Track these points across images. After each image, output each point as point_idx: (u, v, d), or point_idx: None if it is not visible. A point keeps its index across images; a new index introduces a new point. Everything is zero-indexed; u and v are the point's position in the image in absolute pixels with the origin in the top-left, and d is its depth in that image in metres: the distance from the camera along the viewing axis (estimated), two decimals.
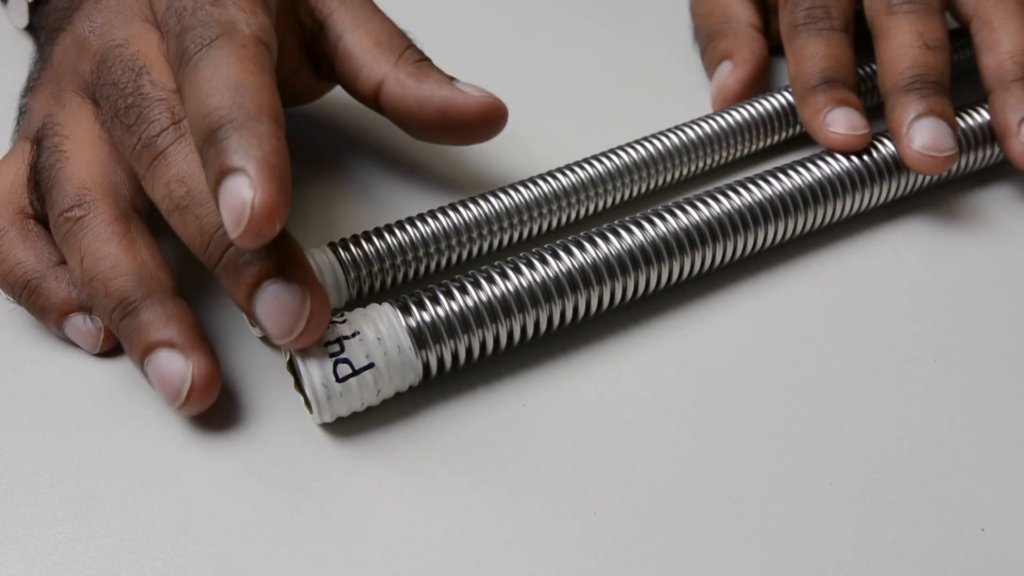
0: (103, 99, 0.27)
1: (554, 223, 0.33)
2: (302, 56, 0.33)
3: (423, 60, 0.31)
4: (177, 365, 0.26)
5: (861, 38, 0.36)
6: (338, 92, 0.35)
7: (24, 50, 0.37)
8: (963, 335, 0.30)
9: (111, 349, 0.29)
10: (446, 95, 0.30)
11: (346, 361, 0.25)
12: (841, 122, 0.33)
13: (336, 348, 0.25)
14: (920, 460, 0.26)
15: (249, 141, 0.23)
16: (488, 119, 0.30)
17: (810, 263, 0.33)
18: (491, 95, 0.30)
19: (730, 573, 0.24)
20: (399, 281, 0.30)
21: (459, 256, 0.31)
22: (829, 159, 0.32)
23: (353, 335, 0.26)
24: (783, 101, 0.36)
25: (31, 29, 0.38)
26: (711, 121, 0.35)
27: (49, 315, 0.28)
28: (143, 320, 0.26)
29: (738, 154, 0.36)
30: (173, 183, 0.25)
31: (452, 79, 0.31)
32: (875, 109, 0.36)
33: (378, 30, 0.32)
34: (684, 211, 0.30)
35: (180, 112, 0.26)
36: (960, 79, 0.38)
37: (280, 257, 0.24)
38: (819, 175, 0.32)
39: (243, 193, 0.22)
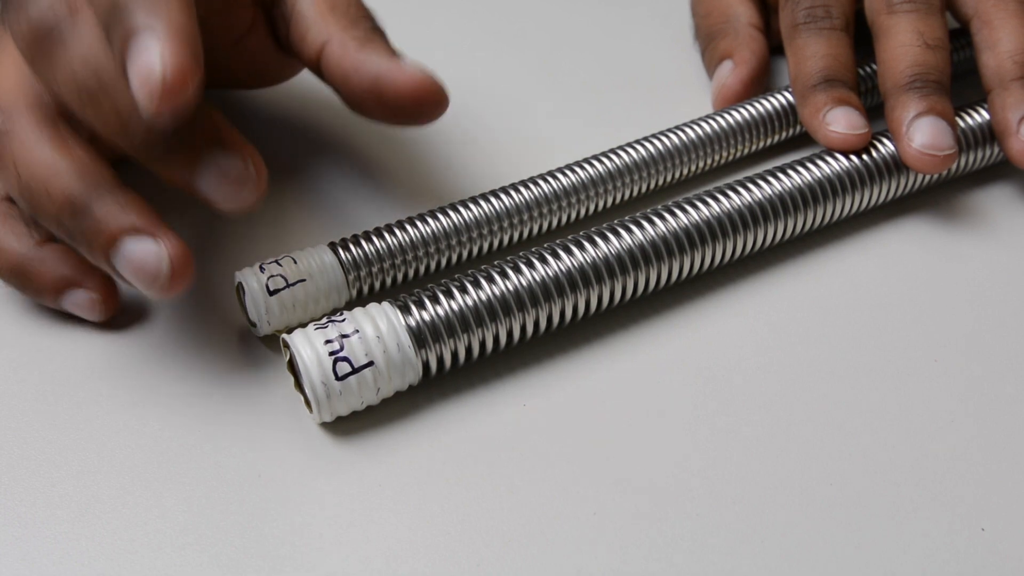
0: (5, 5, 0.26)
1: (554, 223, 0.33)
2: (258, 15, 0.32)
3: (375, 30, 0.30)
4: (148, 247, 0.24)
5: (861, 37, 0.36)
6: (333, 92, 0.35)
7: None
8: (963, 335, 0.30)
9: (114, 317, 0.29)
10: (383, 65, 0.28)
11: (345, 359, 0.25)
12: (841, 121, 0.33)
13: (335, 346, 0.25)
14: (920, 460, 0.26)
15: (155, 6, 0.22)
16: (422, 99, 0.28)
17: (810, 263, 0.33)
18: (430, 76, 0.28)
19: (730, 573, 0.24)
20: (399, 281, 0.30)
21: (459, 256, 0.31)
22: (829, 158, 0.32)
23: (353, 333, 0.26)
24: (783, 101, 0.36)
25: None
26: (711, 121, 0.35)
27: (44, 296, 0.28)
28: (97, 214, 0.25)
29: (738, 154, 0.36)
30: (77, 68, 0.24)
31: (397, 55, 0.29)
32: (875, 109, 0.36)
33: None
34: (684, 210, 0.30)
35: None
36: (960, 79, 0.38)
37: (211, 130, 0.24)
38: (819, 174, 0.32)
39: (153, 60, 0.21)
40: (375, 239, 0.30)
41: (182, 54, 0.21)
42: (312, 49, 0.30)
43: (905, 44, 0.33)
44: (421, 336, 0.26)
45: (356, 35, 0.29)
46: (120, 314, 0.30)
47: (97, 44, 0.24)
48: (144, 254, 0.24)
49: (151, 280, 0.24)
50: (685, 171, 0.35)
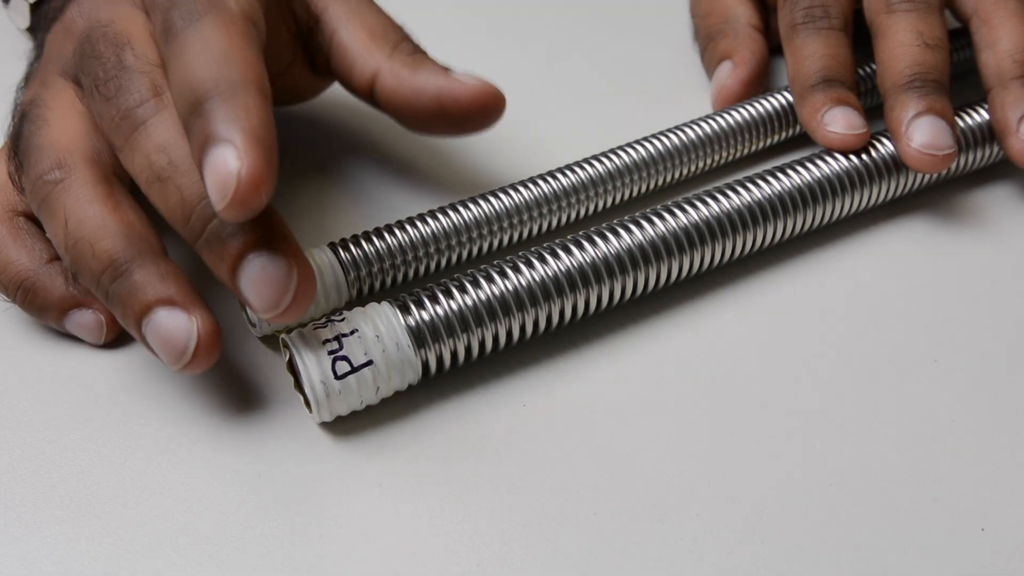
0: (84, 74, 0.27)
1: (554, 223, 0.33)
2: (296, 50, 0.33)
3: (418, 51, 0.31)
4: (180, 322, 0.25)
5: (860, 37, 0.36)
6: (338, 92, 0.35)
7: (26, 49, 0.37)
8: (963, 335, 0.30)
9: (115, 340, 0.29)
10: (441, 84, 0.29)
11: (344, 359, 0.25)
12: (839, 121, 0.33)
13: (335, 346, 0.25)
14: (920, 460, 0.26)
15: (236, 112, 0.22)
16: (486, 106, 0.30)
17: (810, 262, 0.33)
18: (487, 82, 0.30)
19: (730, 573, 0.24)
20: (399, 281, 0.30)
21: (459, 256, 0.31)
22: (828, 158, 0.32)
23: (351, 333, 0.26)
24: (783, 101, 0.36)
25: (32, 31, 0.38)
26: (711, 121, 0.35)
27: (48, 313, 0.28)
28: (136, 280, 0.25)
29: (738, 154, 0.36)
30: (153, 154, 0.24)
31: (447, 69, 0.30)
32: (875, 109, 0.36)
33: (373, 23, 0.31)
34: (684, 210, 0.30)
35: (162, 85, 0.25)
36: (960, 79, 0.38)
37: (264, 229, 0.24)
38: (818, 174, 0.32)
39: (229, 163, 0.22)
40: (375, 239, 0.30)
41: (259, 164, 0.22)
42: (362, 81, 0.31)
43: (904, 44, 0.33)
44: (420, 336, 0.26)
45: (404, 60, 0.30)
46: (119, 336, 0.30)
47: (177, 136, 0.24)
48: (174, 327, 0.25)
49: (177, 354, 0.25)
50: (685, 171, 0.35)
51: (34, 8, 0.37)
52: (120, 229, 0.25)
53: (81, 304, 0.28)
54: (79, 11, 0.28)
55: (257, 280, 0.24)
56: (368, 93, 0.31)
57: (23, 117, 0.28)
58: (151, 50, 0.26)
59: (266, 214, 0.24)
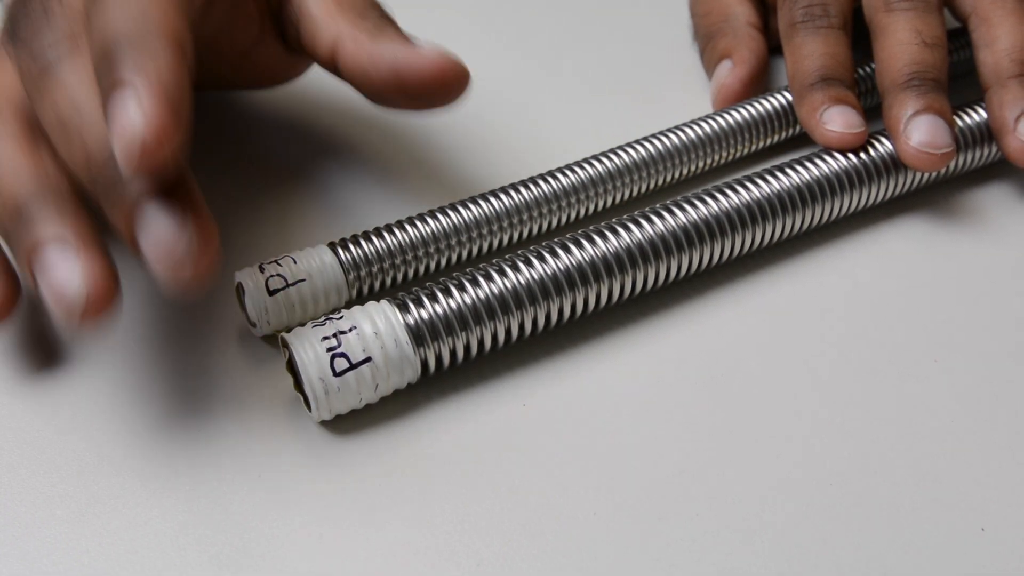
0: (10, 22, 0.26)
1: (554, 223, 0.33)
2: (267, 24, 0.32)
3: (384, 19, 0.30)
4: (68, 265, 0.23)
5: (860, 36, 0.36)
6: (337, 91, 0.35)
7: None
8: (963, 335, 0.30)
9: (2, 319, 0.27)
10: (400, 53, 0.28)
11: (343, 356, 0.25)
12: (837, 120, 0.33)
13: (333, 343, 0.25)
14: (920, 460, 0.26)
15: (143, 56, 0.21)
16: (446, 80, 0.28)
17: (810, 262, 0.33)
18: (450, 55, 0.28)
19: (730, 573, 0.24)
20: (399, 281, 0.30)
21: (459, 256, 0.31)
22: (827, 157, 0.33)
23: (350, 330, 0.26)
24: (783, 101, 0.36)
25: None
26: (711, 121, 0.35)
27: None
28: (34, 218, 0.24)
29: (738, 154, 0.36)
30: (60, 98, 0.24)
31: (409, 38, 0.29)
32: (874, 109, 0.36)
33: None
34: (683, 209, 0.30)
35: (79, 33, 0.24)
36: (959, 79, 0.38)
37: (170, 190, 0.23)
38: (817, 173, 0.32)
39: (131, 110, 0.20)
40: (375, 239, 0.30)
41: (163, 116, 0.21)
42: (324, 48, 0.30)
43: (903, 42, 0.33)
44: (419, 334, 0.26)
45: (367, 27, 0.29)
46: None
47: (85, 86, 0.24)
48: (60, 270, 0.23)
49: (61, 302, 0.23)
50: (685, 171, 0.35)
51: None
52: (30, 170, 0.25)
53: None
54: None
55: (155, 244, 0.22)
56: (331, 62, 0.30)
57: None
58: (78, 2, 0.25)
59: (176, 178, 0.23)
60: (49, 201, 0.24)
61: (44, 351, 0.29)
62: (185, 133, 0.22)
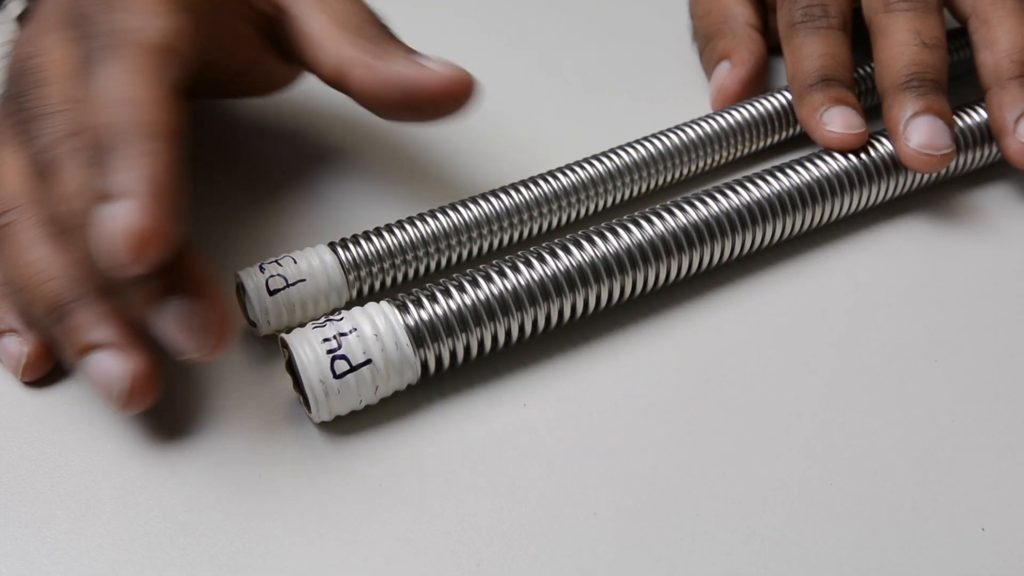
0: (8, 115, 0.27)
1: (554, 223, 0.33)
2: (262, 43, 0.32)
3: (385, 37, 0.30)
4: (114, 366, 0.25)
5: (859, 37, 0.36)
6: (337, 94, 0.35)
7: None
8: (963, 335, 0.30)
9: (37, 381, 0.28)
10: (411, 73, 0.29)
11: (343, 358, 0.25)
12: (837, 121, 0.33)
13: (333, 344, 0.25)
14: (920, 460, 0.26)
15: (131, 162, 0.22)
16: (456, 94, 0.29)
17: (809, 262, 0.33)
18: (457, 69, 0.29)
19: (730, 573, 0.24)
20: (399, 281, 0.30)
21: (459, 256, 0.31)
22: (827, 158, 0.33)
23: (350, 331, 0.26)
24: (783, 101, 0.36)
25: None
26: (711, 121, 0.35)
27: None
28: (77, 322, 0.25)
29: (738, 154, 0.36)
30: (60, 202, 0.25)
31: (415, 54, 0.29)
32: (874, 109, 0.36)
33: (339, 9, 0.30)
34: (683, 209, 0.30)
35: (83, 123, 0.25)
36: (959, 79, 0.38)
37: (178, 272, 0.24)
38: (817, 174, 0.32)
39: (116, 220, 0.21)
40: (375, 239, 0.30)
41: (149, 218, 0.22)
42: (329, 70, 0.30)
43: (902, 43, 0.33)
44: (419, 335, 0.26)
45: (372, 50, 0.29)
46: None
47: (83, 186, 0.24)
48: (107, 370, 0.25)
49: (109, 395, 0.25)
50: (685, 171, 0.35)
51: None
52: (63, 271, 0.26)
53: (12, 331, 0.28)
54: (16, 41, 0.28)
55: (175, 326, 0.24)
56: (336, 82, 0.30)
57: None
58: (72, 85, 0.26)
59: (178, 260, 0.24)
60: (89, 301, 0.25)
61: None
62: (173, 230, 0.22)
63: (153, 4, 0.25)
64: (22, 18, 0.37)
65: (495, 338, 0.28)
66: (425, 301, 0.27)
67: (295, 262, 0.29)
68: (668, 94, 0.41)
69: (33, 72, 0.26)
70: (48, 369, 0.28)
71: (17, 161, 0.27)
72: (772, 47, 0.40)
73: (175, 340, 0.24)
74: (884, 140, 0.33)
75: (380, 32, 0.30)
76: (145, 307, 0.24)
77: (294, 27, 0.31)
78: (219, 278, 0.31)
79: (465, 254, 0.31)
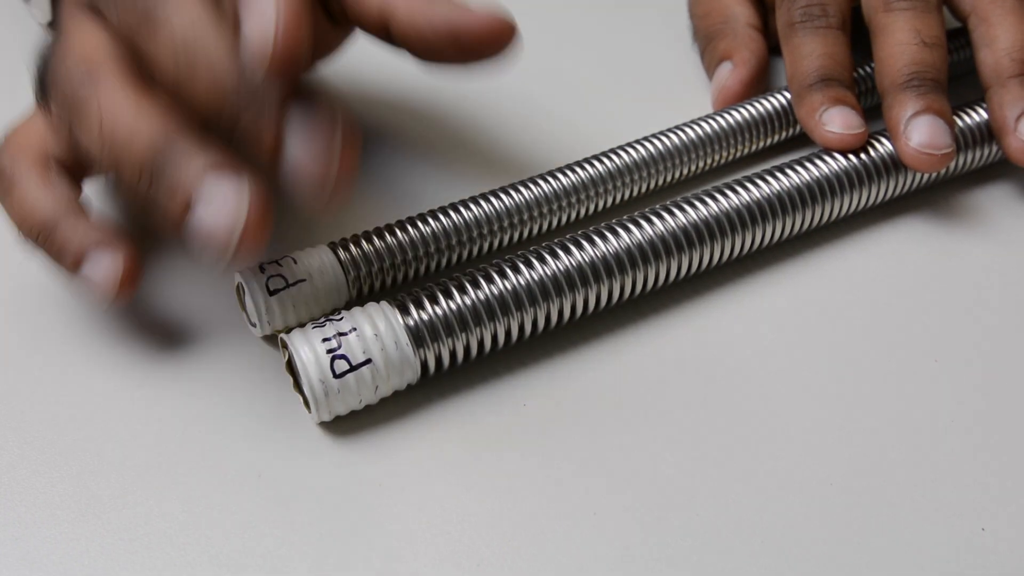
0: None
1: (554, 223, 0.33)
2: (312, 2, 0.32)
3: None
4: (228, 208, 0.23)
5: (859, 36, 0.36)
6: (338, 96, 0.35)
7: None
8: (963, 335, 0.30)
9: (121, 306, 0.27)
10: (455, 15, 0.29)
11: (343, 357, 0.25)
12: (837, 121, 0.33)
13: (333, 344, 0.25)
14: (920, 460, 0.26)
15: None
16: (499, 36, 0.29)
17: (809, 262, 0.33)
18: (500, 13, 0.29)
19: (730, 573, 0.24)
20: (399, 281, 0.30)
21: (459, 256, 0.31)
22: (827, 157, 0.33)
23: (350, 331, 0.26)
24: (783, 101, 0.36)
25: (53, 26, 0.37)
26: (711, 121, 0.35)
27: (65, 258, 0.27)
28: (177, 155, 0.24)
29: (738, 154, 0.36)
30: (178, 36, 0.24)
31: None
32: (874, 109, 0.36)
33: None
34: (683, 209, 0.30)
35: None
36: (959, 79, 0.38)
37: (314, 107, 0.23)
38: (817, 173, 0.32)
39: (266, 19, 0.22)
40: (375, 239, 0.30)
41: (296, 17, 0.22)
42: (374, 15, 0.30)
43: (902, 42, 0.33)
44: (419, 335, 0.26)
45: None
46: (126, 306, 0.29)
47: (199, 13, 0.24)
48: (221, 214, 0.23)
49: (225, 238, 0.23)
50: (685, 171, 0.35)
51: (54, 2, 0.37)
52: (154, 122, 0.25)
53: (102, 245, 0.27)
54: None
55: (301, 164, 0.23)
56: (379, 27, 0.30)
57: (47, 50, 0.28)
58: None
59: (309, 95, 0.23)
60: (188, 137, 0.24)
61: (44, 353, 0.29)
62: (312, 35, 0.22)
63: None
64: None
65: (495, 338, 0.28)
66: (425, 301, 0.27)
67: (295, 262, 0.29)
68: (668, 94, 0.41)
69: None
70: (138, 287, 0.27)
71: (101, 30, 0.27)
72: (773, 47, 0.40)
73: (307, 167, 0.23)
74: (884, 140, 0.33)
75: None
76: (273, 132, 0.23)
77: None
78: (219, 277, 0.31)
79: (465, 254, 0.31)
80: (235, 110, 0.23)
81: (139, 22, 0.25)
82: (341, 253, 0.29)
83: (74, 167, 0.29)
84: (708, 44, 0.40)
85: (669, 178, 0.35)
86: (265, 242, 0.23)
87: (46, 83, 0.27)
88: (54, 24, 0.37)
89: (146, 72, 0.26)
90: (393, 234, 0.30)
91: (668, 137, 0.35)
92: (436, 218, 0.31)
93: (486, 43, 0.29)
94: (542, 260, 0.28)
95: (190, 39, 0.24)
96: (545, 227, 0.33)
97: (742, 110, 0.36)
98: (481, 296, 0.27)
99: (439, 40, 0.29)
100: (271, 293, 0.28)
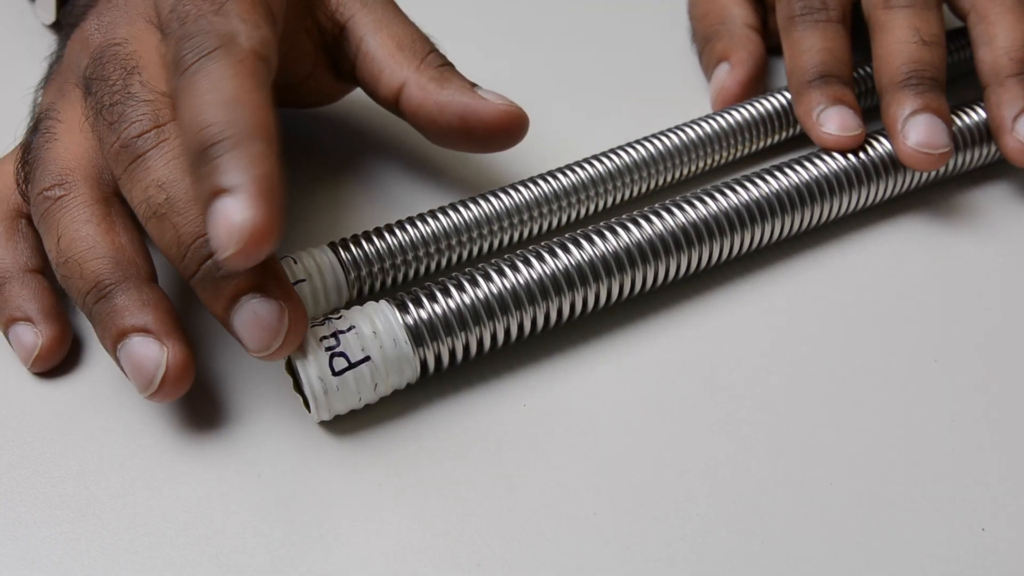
0: (91, 94, 0.27)
1: (554, 223, 0.33)
2: (319, 58, 0.33)
3: (445, 65, 0.31)
4: (151, 351, 0.25)
5: (858, 33, 0.36)
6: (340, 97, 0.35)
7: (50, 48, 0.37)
8: (963, 335, 0.30)
9: (44, 373, 0.28)
10: (467, 102, 0.30)
11: (342, 355, 0.25)
12: (834, 122, 0.33)
13: (332, 342, 0.25)
14: (920, 460, 0.26)
15: (243, 161, 0.22)
16: (509, 128, 0.30)
17: (808, 262, 0.33)
18: (512, 103, 0.30)
19: (730, 573, 0.24)
20: (399, 281, 0.30)
21: (459, 256, 0.31)
22: (826, 157, 0.33)
23: (349, 329, 0.26)
24: (782, 101, 0.36)
25: (58, 26, 0.38)
26: (711, 121, 0.35)
27: (1, 315, 0.28)
28: (117, 304, 0.25)
29: (738, 154, 0.36)
30: (151, 188, 0.25)
31: (474, 85, 0.31)
32: (873, 109, 0.36)
33: (400, 33, 0.31)
34: (682, 208, 0.30)
35: (165, 116, 0.25)
36: (960, 79, 0.38)
37: (258, 271, 0.24)
38: (816, 173, 0.32)
39: (234, 215, 0.22)
40: (375, 239, 0.30)
41: (265, 217, 0.22)
42: (388, 91, 0.31)
43: (902, 40, 0.33)
44: (418, 334, 0.26)
45: (432, 75, 0.30)
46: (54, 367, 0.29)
47: (175, 172, 0.25)
48: (144, 355, 0.25)
49: (145, 381, 0.25)
50: (685, 171, 0.35)
51: (60, 4, 0.37)
52: (109, 251, 0.26)
53: (28, 320, 0.28)
54: (97, 23, 0.29)
55: (249, 322, 0.24)
56: (393, 104, 0.31)
57: (36, 126, 0.29)
58: (160, 78, 0.26)
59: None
60: (130, 284, 0.26)
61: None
62: (281, 227, 0.22)
63: (249, 13, 0.25)
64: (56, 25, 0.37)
65: (495, 337, 0.28)
66: (424, 300, 0.27)
67: (295, 262, 0.29)
68: (668, 94, 0.41)
69: (122, 59, 0.27)
70: (57, 362, 0.28)
71: (86, 140, 0.27)
72: (772, 47, 0.40)
73: (248, 336, 0.24)
74: (883, 139, 0.33)
75: (438, 59, 0.31)
76: (223, 302, 0.24)
77: (354, 46, 0.32)
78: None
79: (465, 254, 0.31)
80: (191, 268, 0.25)
81: (120, 147, 0.26)
82: (341, 253, 0.29)
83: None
84: (706, 45, 0.40)
85: (669, 178, 0.35)
86: (183, 390, 0.25)
87: (27, 158, 0.28)
88: (58, 27, 0.37)
89: (117, 191, 0.27)
90: (393, 234, 0.30)
91: (668, 137, 0.34)
92: (436, 218, 0.31)
93: (496, 133, 0.30)
94: (541, 259, 0.28)
95: (165, 199, 0.25)
96: (545, 227, 0.33)
97: (742, 110, 0.36)
98: (480, 295, 0.27)
99: (448, 125, 0.30)
100: None
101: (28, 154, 0.28)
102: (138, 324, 0.25)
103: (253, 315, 0.24)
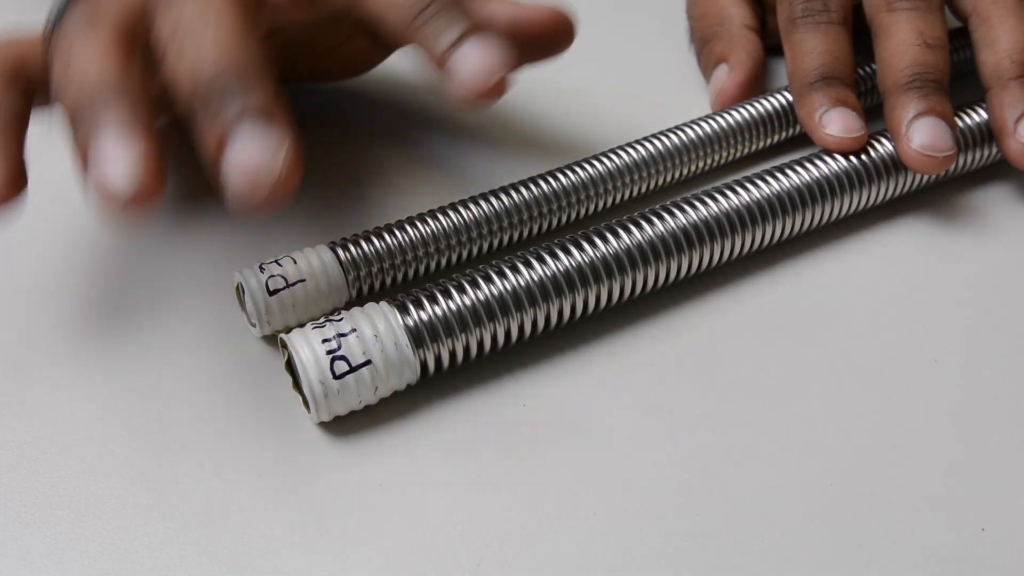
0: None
1: (554, 223, 0.33)
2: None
3: None
4: (123, 145, 0.24)
5: (860, 35, 0.36)
6: (339, 95, 0.35)
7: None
8: (963, 335, 0.30)
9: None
10: (513, 11, 0.30)
11: (343, 358, 0.25)
12: (836, 123, 0.33)
13: (333, 345, 0.25)
14: (920, 460, 0.26)
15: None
16: (557, 31, 0.30)
17: (809, 262, 0.33)
18: (558, 8, 0.30)
19: (730, 573, 0.24)
20: (399, 281, 0.30)
21: (459, 256, 0.31)
22: (827, 158, 0.33)
23: (350, 332, 0.26)
24: (783, 101, 0.36)
25: None
26: (711, 121, 0.35)
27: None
28: (103, 104, 0.24)
29: (738, 154, 0.36)
30: (188, 11, 0.25)
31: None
32: (875, 109, 0.36)
33: None
34: (683, 209, 0.30)
35: None
36: (960, 79, 0.38)
37: (266, 95, 0.24)
38: (818, 174, 0.32)
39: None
40: (375, 239, 0.30)
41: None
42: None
43: (905, 43, 0.33)
44: (419, 336, 0.26)
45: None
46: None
47: (212, 6, 0.25)
48: (116, 151, 0.23)
49: (107, 180, 0.23)
50: (685, 171, 0.35)
51: None
52: (113, 69, 0.25)
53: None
54: None
55: (248, 148, 0.23)
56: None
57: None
58: None
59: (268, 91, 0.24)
60: (123, 94, 0.24)
61: (44, 354, 0.29)
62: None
63: None
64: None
65: (495, 338, 0.28)
66: (425, 301, 0.27)
67: (295, 262, 0.29)
68: (668, 95, 0.41)
69: None
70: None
71: None
72: (771, 48, 0.40)
73: (238, 177, 0.23)
74: (884, 140, 0.33)
75: None
76: (223, 132, 0.23)
77: None
78: (219, 277, 0.31)
79: (465, 254, 0.31)
80: (200, 99, 0.24)
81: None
82: (341, 253, 0.29)
83: (43, 90, 0.28)
84: (704, 46, 0.40)
85: (669, 178, 0.35)
86: (151, 208, 0.23)
87: (62, 15, 0.27)
88: None
89: (143, 41, 0.26)
90: (393, 234, 0.30)
91: (668, 137, 0.35)
92: (436, 218, 0.31)
93: (547, 37, 0.30)
94: (542, 261, 0.28)
95: (198, 20, 0.24)
96: (545, 227, 0.33)
97: (741, 110, 0.36)
98: (481, 297, 0.27)
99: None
100: (271, 293, 0.28)
101: (62, 17, 0.27)
102: (115, 119, 0.24)
103: (252, 135, 0.23)
